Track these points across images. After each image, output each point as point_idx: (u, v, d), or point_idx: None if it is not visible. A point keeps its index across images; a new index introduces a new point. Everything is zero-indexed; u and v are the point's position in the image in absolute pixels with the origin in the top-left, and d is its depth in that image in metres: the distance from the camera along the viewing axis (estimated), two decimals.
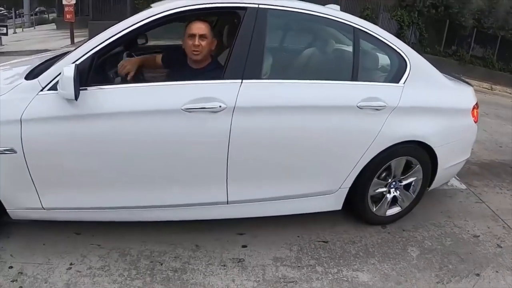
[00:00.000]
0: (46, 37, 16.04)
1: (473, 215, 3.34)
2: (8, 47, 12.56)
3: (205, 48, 2.52)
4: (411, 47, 2.97)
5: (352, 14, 2.78)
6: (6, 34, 13.20)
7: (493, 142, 5.59)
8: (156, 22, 2.34)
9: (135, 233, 2.65)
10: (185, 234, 2.69)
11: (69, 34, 12.55)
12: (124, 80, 2.57)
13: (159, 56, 3.01)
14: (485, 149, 5.17)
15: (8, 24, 14.79)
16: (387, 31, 2.89)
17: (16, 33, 18.49)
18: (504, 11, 16.03)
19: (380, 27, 2.89)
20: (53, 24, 22.76)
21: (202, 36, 2.49)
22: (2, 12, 30.27)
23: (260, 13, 2.44)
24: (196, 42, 2.48)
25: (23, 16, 26.40)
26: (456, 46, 16.63)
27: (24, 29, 21.69)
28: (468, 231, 3.10)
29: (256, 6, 2.45)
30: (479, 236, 3.04)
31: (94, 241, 2.56)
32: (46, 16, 31.87)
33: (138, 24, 2.31)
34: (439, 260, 2.70)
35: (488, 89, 12.41)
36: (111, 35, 2.27)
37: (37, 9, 35.33)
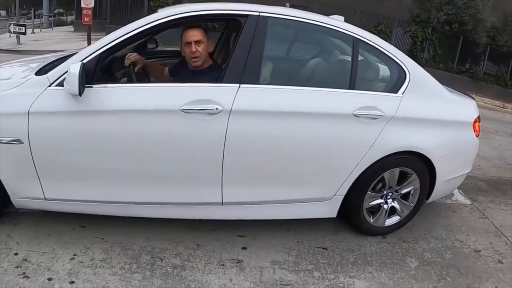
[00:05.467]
0: (63, 39, 16.35)
1: (475, 230, 3.33)
2: (26, 46, 12.87)
3: (203, 53, 2.63)
4: (425, 63, 2.99)
5: (366, 28, 2.81)
6: (24, 33, 13.56)
7: (502, 160, 5.54)
8: (161, 26, 2.45)
9: (138, 229, 2.70)
10: (187, 233, 2.74)
11: (86, 36, 12.77)
12: (130, 81, 2.66)
13: (167, 69, 3.10)
14: (493, 167, 5.12)
15: (27, 24, 15.13)
16: (401, 46, 2.94)
17: (34, 33, 18.86)
18: None
19: (394, 42, 2.93)
20: (71, 26, 23.18)
21: (197, 42, 2.60)
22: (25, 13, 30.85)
23: (261, 20, 2.52)
24: (193, 49, 2.59)
25: (42, 17, 26.89)
26: (469, 63, 16.55)
27: (42, 30, 22.08)
28: (469, 245, 3.08)
29: (257, 14, 2.53)
30: (480, 251, 3.03)
31: (98, 235, 2.62)
32: (65, 18, 32.53)
33: (143, 27, 2.41)
34: (437, 273, 2.69)
35: (500, 107, 12.33)
36: (117, 37, 2.38)
37: (56, 11, 36.05)
